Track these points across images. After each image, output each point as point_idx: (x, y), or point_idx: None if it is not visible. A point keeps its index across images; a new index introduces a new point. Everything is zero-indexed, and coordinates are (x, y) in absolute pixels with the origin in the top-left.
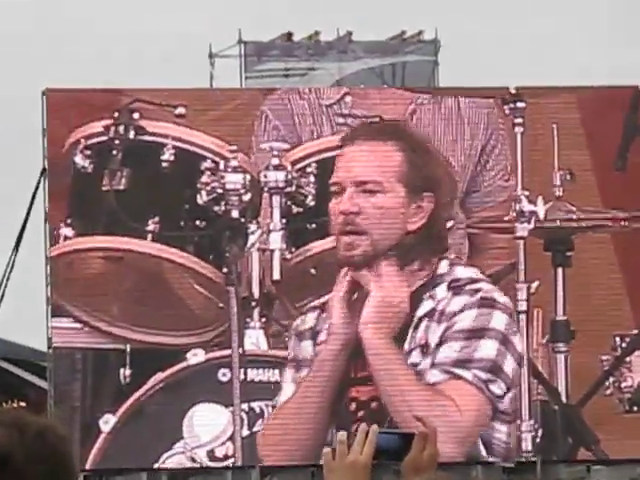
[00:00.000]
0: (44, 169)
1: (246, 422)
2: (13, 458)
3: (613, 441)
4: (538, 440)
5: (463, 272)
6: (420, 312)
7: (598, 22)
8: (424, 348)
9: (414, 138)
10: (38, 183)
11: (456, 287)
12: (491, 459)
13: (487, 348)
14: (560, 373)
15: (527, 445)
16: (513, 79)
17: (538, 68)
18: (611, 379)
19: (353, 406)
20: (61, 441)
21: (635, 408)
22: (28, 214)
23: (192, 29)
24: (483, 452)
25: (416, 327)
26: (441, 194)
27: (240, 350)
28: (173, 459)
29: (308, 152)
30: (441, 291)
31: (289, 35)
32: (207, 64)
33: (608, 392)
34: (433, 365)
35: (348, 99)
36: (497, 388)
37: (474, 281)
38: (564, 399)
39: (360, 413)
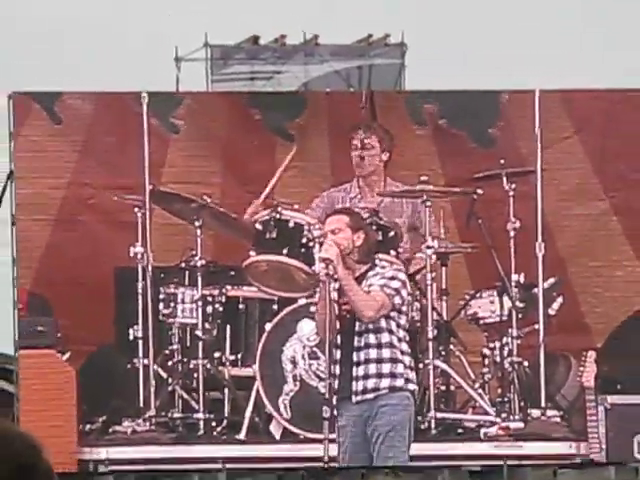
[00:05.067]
0: (11, 172)
1: None
2: None
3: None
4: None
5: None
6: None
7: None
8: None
9: (353, 209)
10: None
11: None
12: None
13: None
14: None
15: (434, 316)
16: (480, 81)
17: (509, 71)
18: (465, 309)
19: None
20: (29, 450)
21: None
22: None
23: (158, 31)
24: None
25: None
26: (367, 230)
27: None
28: (290, 347)
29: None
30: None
31: (255, 38)
32: (173, 67)
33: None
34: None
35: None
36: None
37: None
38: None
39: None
